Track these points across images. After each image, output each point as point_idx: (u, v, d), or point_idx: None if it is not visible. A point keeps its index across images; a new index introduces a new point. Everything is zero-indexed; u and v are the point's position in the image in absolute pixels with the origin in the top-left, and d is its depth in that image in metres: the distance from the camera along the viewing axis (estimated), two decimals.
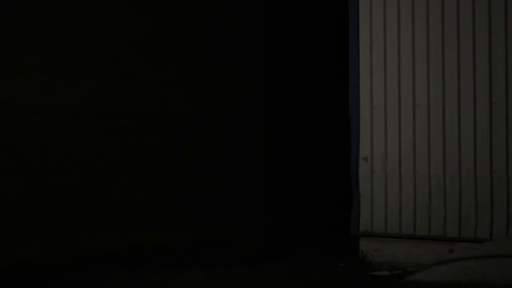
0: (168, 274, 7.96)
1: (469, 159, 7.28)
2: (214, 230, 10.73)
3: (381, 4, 7.78)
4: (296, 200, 12.10)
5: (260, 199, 11.77)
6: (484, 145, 7.22)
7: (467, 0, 7.30)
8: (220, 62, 11.31)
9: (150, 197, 10.26)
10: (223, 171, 11.30)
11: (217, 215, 11.06)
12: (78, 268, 8.47)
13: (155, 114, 10.39)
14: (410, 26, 7.63)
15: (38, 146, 9.08)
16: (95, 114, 9.64)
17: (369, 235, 7.87)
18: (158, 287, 7.41)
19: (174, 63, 10.69)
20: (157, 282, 7.61)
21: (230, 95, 11.46)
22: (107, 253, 9.22)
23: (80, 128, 9.49)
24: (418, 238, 7.54)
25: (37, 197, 9.05)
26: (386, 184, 7.79)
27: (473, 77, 7.28)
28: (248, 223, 11.07)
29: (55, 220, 9.22)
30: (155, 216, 10.29)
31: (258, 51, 12.00)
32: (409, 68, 7.63)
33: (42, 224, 9.06)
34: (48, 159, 9.17)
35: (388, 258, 7.67)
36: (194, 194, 10.87)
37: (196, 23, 10.96)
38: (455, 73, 7.37)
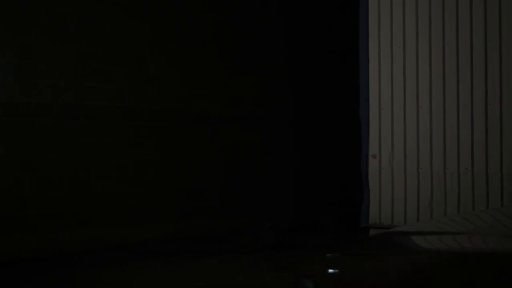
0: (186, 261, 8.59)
1: (467, 156, 7.79)
2: (243, 225, 11.23)
3: (388, 14, 8.31)
4: (316, 196, 12.62)
5: (286, 195, 12.29)
6: (480, 144, 7.72)
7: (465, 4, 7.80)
8: (244, 65, 11.88)
9: (175, 192, 10.82)
10: (248, 169, 11.83)
11: (242, 211, 11.59)
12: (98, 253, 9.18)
13: (181, 114, 10.95)
14: (414, 33, 8.15)
15: (71, 143, 9.75)
16: (121, 114, 10.22)
17: (378, 227, 8.37)
18: (178, 269, 8.04)
19: (201, 67, 11.28)
20: (176, 267, 8.23)
21: (255, 97, 12.01)
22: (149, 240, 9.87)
23: (108, 128, 10.08)
24: None
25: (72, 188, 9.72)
26: (393, 180, 8.31)
27: (471, 81, 7.78)
28: (273, 219, 11.59)
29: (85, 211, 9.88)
30: (180, 209, 10.87)
31: (280, 56, 12.55)
32: (413, 72, 8.16)
33: (76, 213, 9.72)
34: (81, 154, 9.82)
35: None
36: (217, 190, 11.42)
37: (221, 29, 11.54)
38: (454, 76, 7.88)
